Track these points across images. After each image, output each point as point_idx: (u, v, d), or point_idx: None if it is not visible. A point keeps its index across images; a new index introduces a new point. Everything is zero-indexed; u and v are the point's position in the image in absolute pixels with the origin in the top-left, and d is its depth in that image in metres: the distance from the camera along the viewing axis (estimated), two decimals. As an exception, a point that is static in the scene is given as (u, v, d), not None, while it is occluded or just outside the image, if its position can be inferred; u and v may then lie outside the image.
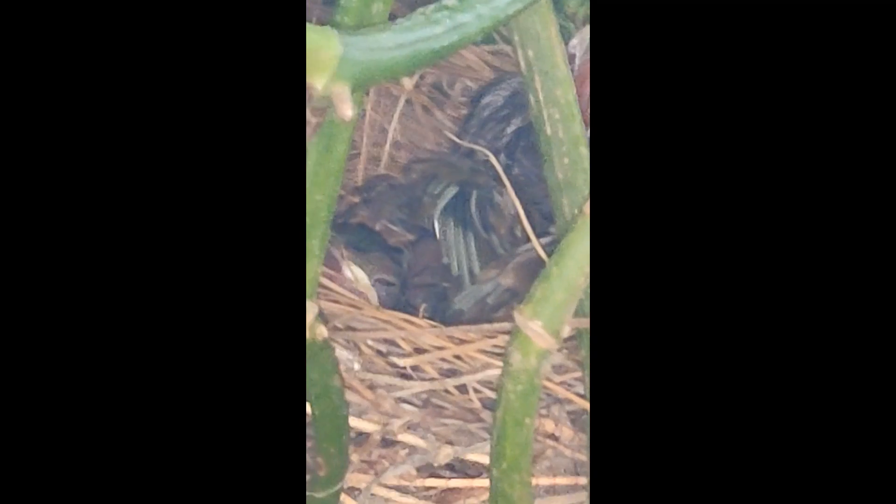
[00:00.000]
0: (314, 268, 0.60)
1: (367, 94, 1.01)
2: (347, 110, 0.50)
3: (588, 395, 0.70)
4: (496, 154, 1.00)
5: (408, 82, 0.99)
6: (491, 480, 0.62)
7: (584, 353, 0.70)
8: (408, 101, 1.13)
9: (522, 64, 0.72)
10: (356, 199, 1.00)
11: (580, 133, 0.72)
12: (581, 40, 0.99)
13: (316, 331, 0.59)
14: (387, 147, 1.10)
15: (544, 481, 0.74)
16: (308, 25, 0.51)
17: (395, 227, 0.96)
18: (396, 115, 1.10)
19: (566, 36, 0.99)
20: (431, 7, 0.53)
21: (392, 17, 0.56)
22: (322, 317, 0.60)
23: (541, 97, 0.71)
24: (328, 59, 0.50)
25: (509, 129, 1.05)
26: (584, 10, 1.02)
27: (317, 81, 0.50)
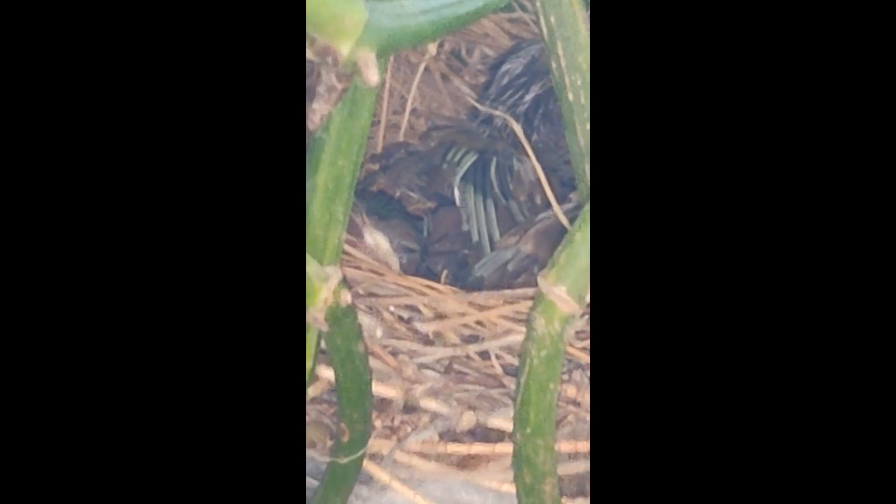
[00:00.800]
0: (338, 234, 0.60)
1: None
2: (373, 76, 0.51)
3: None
4: (515, 121, 1.00)
5: (432, 48, 0.99)
6: (514, 445, 0.63)
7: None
8: (426, 69, 1.13)
9: (544, 30, 0.72)
10: (375, 167, 1.00)
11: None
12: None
13: (340, 296, 0.59)
14: (406, 115, 1.10)
15: (566, 447, 0.74)
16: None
17: (414, 195, 0.96)
18: (415, 83, 1.10)
19: (586, 2, 0.99)
20: (456, -28, 0.54)
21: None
22: (346, 283, 0.60)
23: (563, 63, 0.71)
24: (353, 24, 0.51)
25: (528, 97, 1.05)
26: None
27: (342, 47, 0.50)
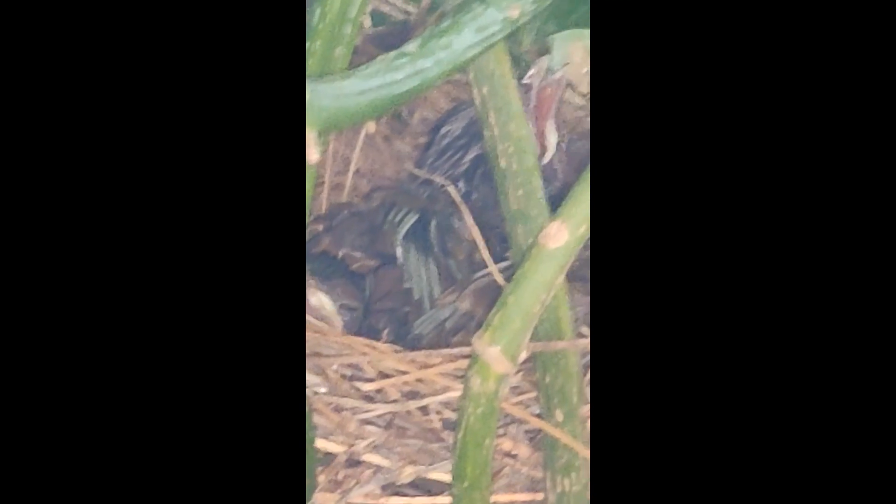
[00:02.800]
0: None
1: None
2: (313, 154, 0.53)
3: (547, 415, 0.73)
4: (455, 181, 1.02)
5: (371, 126, 1.01)
6: (453, 499, 0.65)
7: (540, 374, 0.73)
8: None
9: (477, 100, 0.75)
10: (320, 227, 1.01)
11: (534, 165, 0.75)
12: (538, 70, 1.02)
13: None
14: (349, 176, 1.12)
15: (503, 498, 0.76)
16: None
17: (357, 253, 0.98)
18: (359, 145, 1.12)
19: (523, 66, 1.02)
20: (392, 54, 0.56)
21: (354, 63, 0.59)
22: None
23: (495, 132, 0.74)
24: (296, 105, 0.53)
25: (468, 157, 1.07)
26: (539, 46, 1.05)
27: (285, 127, 0.53)
